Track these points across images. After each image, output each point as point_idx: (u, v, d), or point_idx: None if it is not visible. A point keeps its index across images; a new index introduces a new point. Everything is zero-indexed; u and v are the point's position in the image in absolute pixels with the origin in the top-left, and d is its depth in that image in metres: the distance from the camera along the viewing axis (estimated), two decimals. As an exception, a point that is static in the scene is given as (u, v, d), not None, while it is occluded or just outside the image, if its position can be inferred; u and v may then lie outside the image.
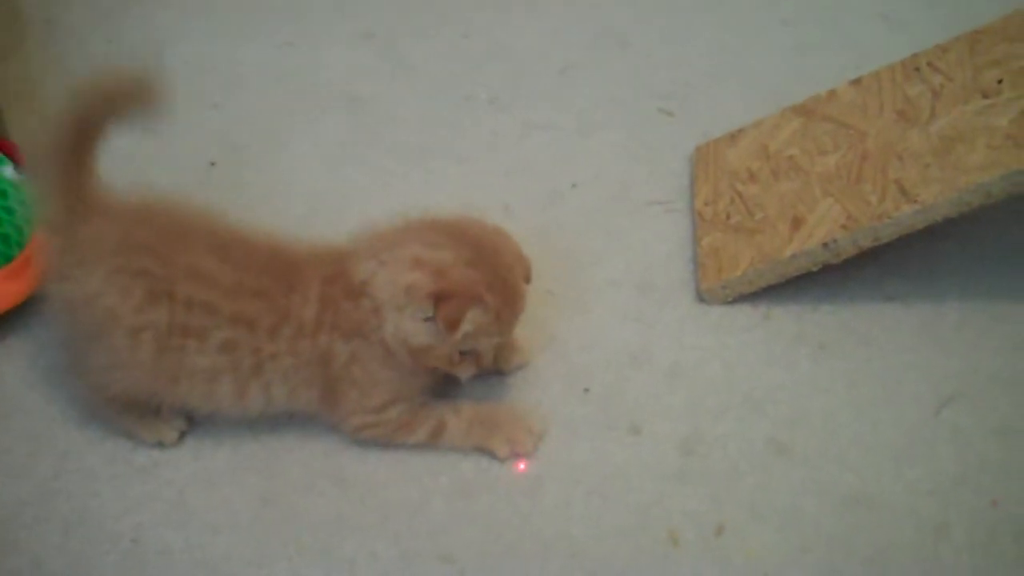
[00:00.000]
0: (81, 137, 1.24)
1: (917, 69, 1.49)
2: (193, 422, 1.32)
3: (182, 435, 1.32)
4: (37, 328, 1.45)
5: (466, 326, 1.20)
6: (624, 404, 1.33)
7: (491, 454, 1.28)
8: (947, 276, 1.43)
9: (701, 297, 1.44)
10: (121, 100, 1.25)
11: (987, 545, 1.17)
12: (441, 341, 1.22)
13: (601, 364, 1.38)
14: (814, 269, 1.38)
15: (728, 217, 1.48)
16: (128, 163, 1.51)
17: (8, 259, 1.42)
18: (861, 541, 1.18)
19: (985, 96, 1.40)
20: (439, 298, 1.20)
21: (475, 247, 1.23)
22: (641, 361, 1.38)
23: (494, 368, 1.34)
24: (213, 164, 1.67)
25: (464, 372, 1.27)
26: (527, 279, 1.28)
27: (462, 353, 1.24)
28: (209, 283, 1.23)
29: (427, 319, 1.21)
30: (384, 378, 1.26)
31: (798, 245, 1.39)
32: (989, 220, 1.46)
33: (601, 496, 1.24)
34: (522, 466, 1.27)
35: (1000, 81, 1.40)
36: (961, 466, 1.24)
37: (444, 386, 1.32)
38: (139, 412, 1.30)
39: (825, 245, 1.36)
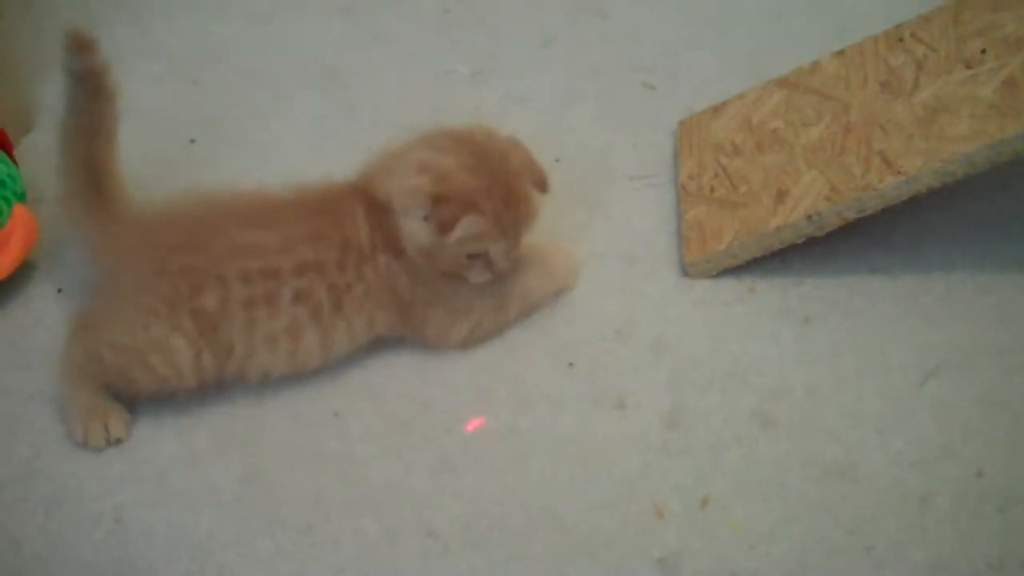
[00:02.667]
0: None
1: (900, 40, 1.48)
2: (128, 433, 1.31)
3: (107, 443, 1.29)
4: (16, 308, 1.44)
5: (460, 230, 1.24)
6: (609, 378, 1.33)
7: (563, 290, 1.40)
8: (932, 247, 1.42)
9: (685, 271, 1.43)
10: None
11: (972, 516, 1.17)
12: (440, 243, 1.25)
13: (585, 338, 1.37)
14: (799, 241, 1.38)
15: (712, 190, 1.48)
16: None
17: (-15, 238, 1.41)
18: (846, 512, 1.18)
19: (968, 66, 1.39)
20: (436, 200, 1.25)
21: (480, 154, 1.28)
22: (625, 335, 1.37)
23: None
24: (193, 141, 1.66)
25: (476, 277, 1.30)
26: (541, 187, 1.32)
27: (471, 257, 1.28)
28: (256, 251, 1.27)
29: (426, 219, 1.25)
30: (448, 288, 1.31)
31: (782, 218, 1.38)
32: (973, 191, 1.45)
33: (586, 470, 1.24)
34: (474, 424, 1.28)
35: (984, 51, 1.39)
36: (946, 437, 1.24)
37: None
38: (102, 408, 1.30)
39: (809, 217, 1.36)
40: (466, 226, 1.24)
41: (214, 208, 1.31)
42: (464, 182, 1.26)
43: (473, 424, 1.26)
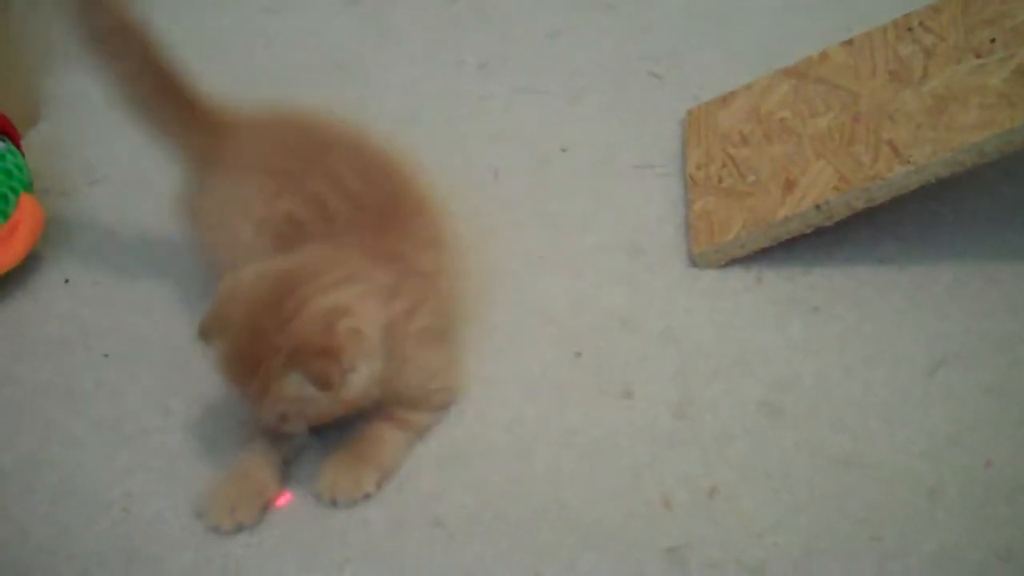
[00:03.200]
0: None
1: (909, 29, 1.48)
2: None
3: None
4: (22, 298, 1.45)
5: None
6: (615, 368, 1.32)
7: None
8: (941, 238, 1.42)
9: (693, 261, 1.42)
10: None
11: (980, 506, 1.16)
12: None
13: (592, 328, 1.37)
14: (807, 231, 1.37)
15: (720, 180, 1.47)
16: (110, 131, 1.50)
17: (-7, 228, 1.41)
18: (854, 502, 1.17)
19: (978, 56, 1.39)
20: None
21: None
22: (632, 325, 1.37)
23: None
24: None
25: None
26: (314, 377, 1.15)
27: None
28: (337, 185, 1.29)
29: None
30: None
31: (791, 208, 1.38)
32: (983, 180, 1.45)
33: (593, 460, 1.24)
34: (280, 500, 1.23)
35: (993, 40, 1.39)
36: (954, 427, 1.23)
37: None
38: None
39: (818, 207, 1.35)
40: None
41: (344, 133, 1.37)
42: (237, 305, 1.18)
43: (282, 500, 1.23)
